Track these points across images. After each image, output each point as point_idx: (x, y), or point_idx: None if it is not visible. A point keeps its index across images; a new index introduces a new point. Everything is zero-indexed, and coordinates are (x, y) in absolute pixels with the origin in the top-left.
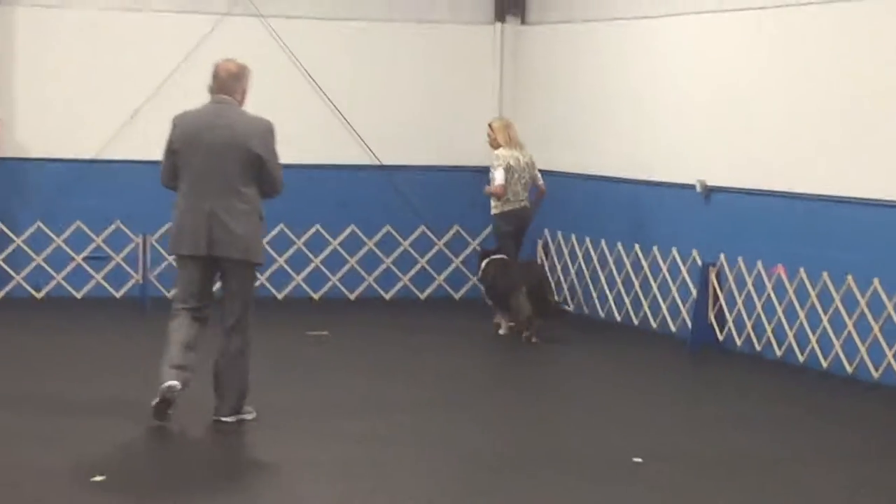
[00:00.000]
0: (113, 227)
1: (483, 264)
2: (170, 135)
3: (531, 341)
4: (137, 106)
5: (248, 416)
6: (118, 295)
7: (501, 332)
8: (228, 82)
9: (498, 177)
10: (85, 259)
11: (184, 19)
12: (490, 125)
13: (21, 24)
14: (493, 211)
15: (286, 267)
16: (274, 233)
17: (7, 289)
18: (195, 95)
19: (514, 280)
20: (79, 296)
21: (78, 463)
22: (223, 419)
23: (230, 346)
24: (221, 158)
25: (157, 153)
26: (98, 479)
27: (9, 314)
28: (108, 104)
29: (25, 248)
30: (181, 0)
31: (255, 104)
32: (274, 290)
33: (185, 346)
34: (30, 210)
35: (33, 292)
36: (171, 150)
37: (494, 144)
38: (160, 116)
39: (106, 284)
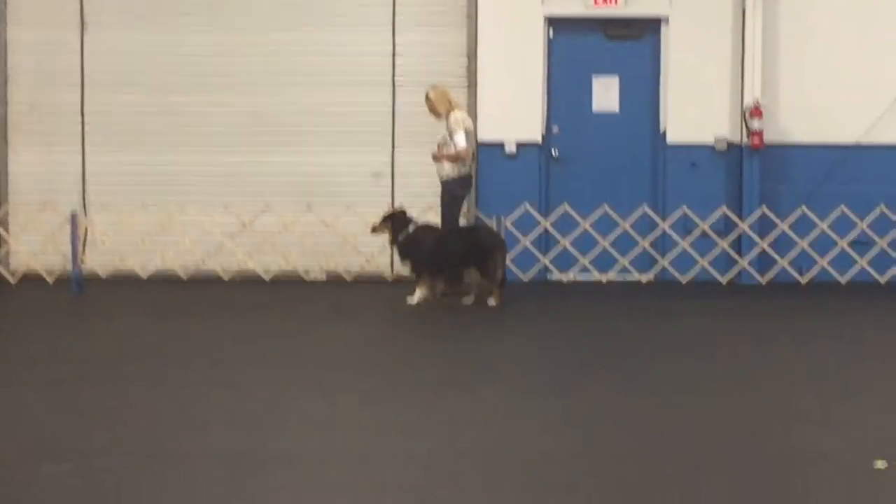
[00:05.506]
0: (877, 211)
1: (412, 230)
2: None
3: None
4: None
5: None
6: (882, 280)
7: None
8: None
9: (461, 140)
10: (849, 244)
11: None
12: (427, 96)
13: (784, 12)
14: (450, 175)
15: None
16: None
17: (772, 273)
18: None
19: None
20: (843, 281)
21: (858, 446)
22: None
23: None
24: None
25: None
26: (880, 464)
27: (774, 298)
28: (870, 88)
29: (790, 232)
30: None
31: None
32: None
33: None
34: (794, 195)
35: (797, 276)
36: None
37: (437, 112)
38: None
39: (870, 269)
